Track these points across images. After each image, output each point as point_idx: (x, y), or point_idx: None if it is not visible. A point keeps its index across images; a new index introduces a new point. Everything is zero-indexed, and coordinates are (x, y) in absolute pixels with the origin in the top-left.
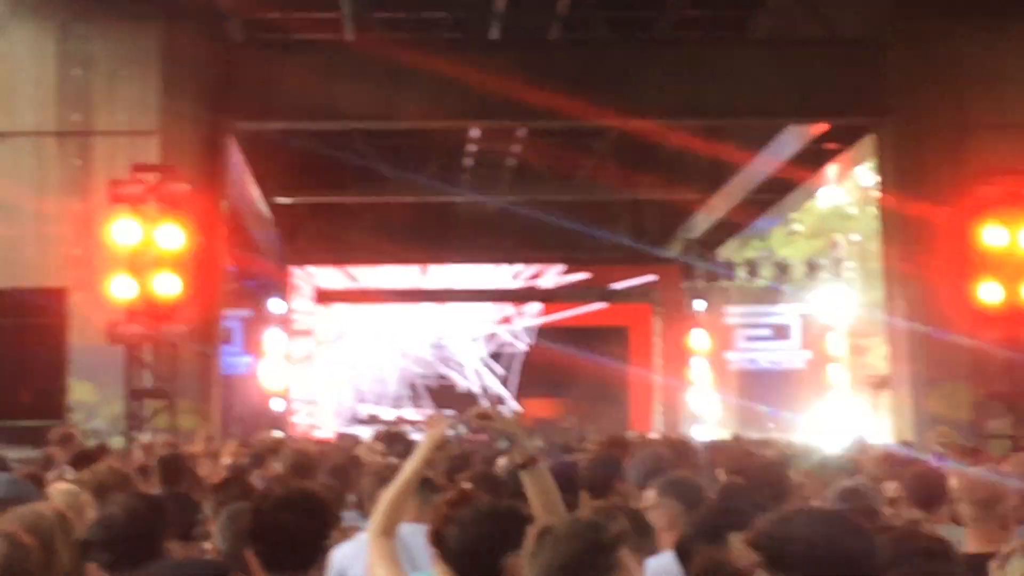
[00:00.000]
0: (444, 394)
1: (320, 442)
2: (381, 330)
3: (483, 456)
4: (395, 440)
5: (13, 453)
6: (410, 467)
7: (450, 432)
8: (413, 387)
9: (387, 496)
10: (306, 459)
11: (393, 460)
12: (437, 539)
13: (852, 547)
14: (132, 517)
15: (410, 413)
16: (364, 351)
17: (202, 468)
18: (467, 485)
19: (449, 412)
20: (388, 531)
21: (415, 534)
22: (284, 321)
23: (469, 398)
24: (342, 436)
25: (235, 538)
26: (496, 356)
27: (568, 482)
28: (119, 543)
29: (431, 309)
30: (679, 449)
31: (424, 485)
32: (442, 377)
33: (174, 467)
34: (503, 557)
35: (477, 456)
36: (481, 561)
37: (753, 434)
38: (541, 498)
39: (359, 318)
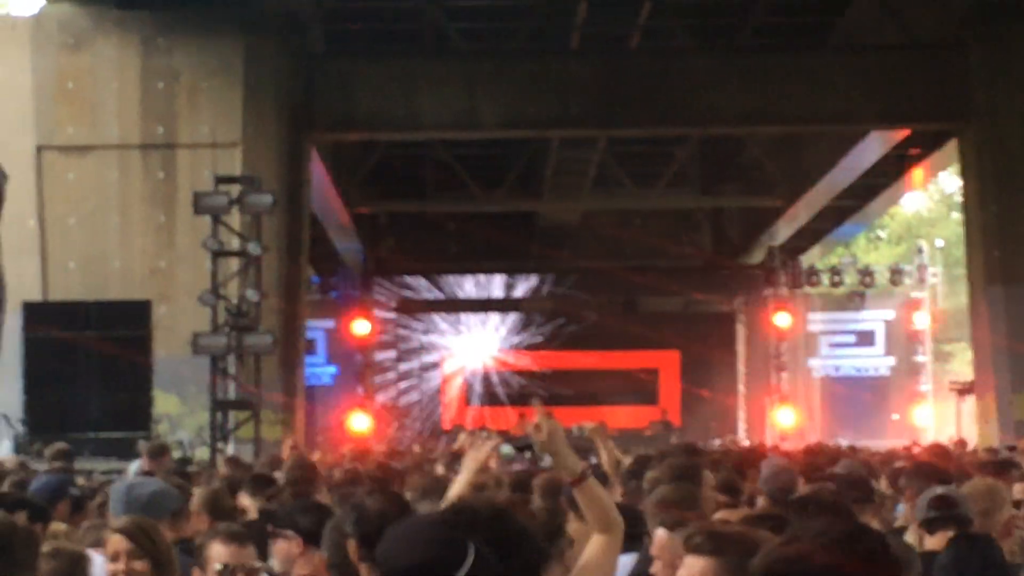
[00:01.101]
0: (524, 401)
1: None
2: (463, 338)
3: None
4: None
5: (99, 464)
6: (454, 491)
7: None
8: (494, 395)
9: None
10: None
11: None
12: None
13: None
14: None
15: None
16: (447, 358)
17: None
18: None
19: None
20: None
21: None
22: (367, 332)
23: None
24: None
25: (339, 548)
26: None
27: None
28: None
29: (511, 318)
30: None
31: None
32: (520, 385)
33: (304, 475)
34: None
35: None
36: None
37: (840, 442)
38: (593, 512)
39: (441, 326)
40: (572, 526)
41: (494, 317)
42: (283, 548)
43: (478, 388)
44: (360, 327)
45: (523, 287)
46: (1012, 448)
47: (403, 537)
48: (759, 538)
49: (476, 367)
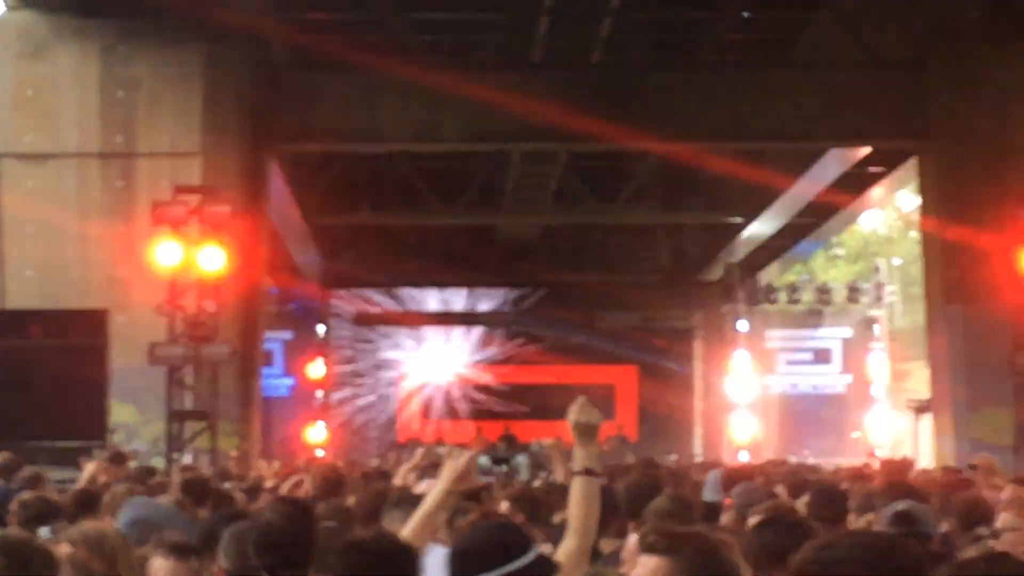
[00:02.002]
0: (484, 415)
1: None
2: (423, 351)
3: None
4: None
5: (55, 474)
6: (430, 500)
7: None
8: (454, 410)
9: (407, 528)
10: (336, 480)
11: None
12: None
13: (902, 572)
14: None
15: (452, 435)
16: (406, 373)
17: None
18: (504, 505)
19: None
20: None
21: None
22: (324, 344)
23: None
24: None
25: (240, 556)
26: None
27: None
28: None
29: (471, 331)
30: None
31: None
32: (479, 400)
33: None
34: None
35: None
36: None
37: (794, 459)
38: (583, 506)
39: (400, 339)
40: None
41: (455, 332)
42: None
43: (438, 402)
44: (316, 370)
45: (485, 301)
46: (973, 467)
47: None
48: (714, 539)
49: (436, 381)
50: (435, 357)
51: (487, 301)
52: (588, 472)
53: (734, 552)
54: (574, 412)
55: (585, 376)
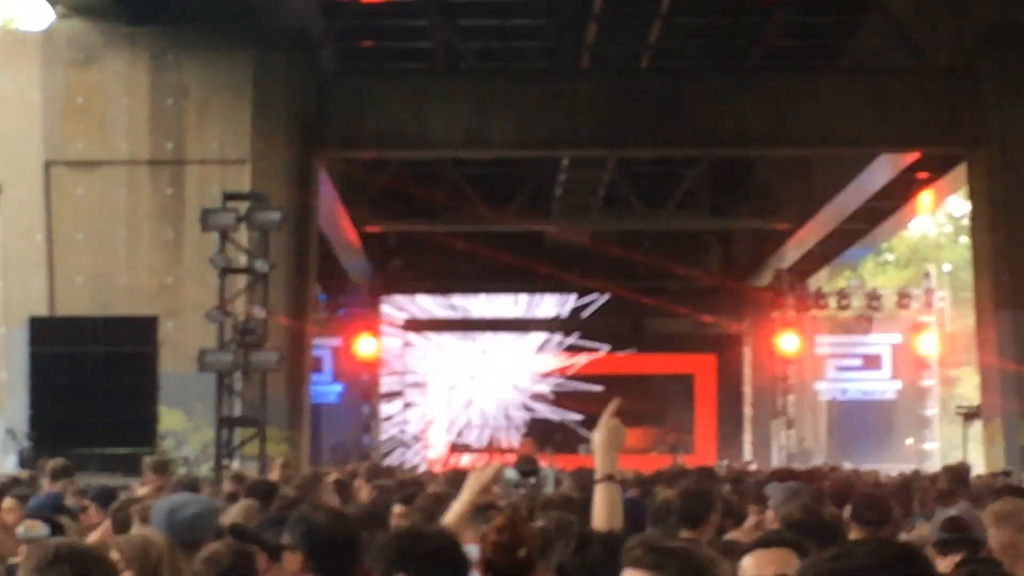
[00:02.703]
0: (537, 424)
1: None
2: (475, 359)
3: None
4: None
5: (105, 480)
6: (454, 511)
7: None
8: (508, 417)
9: None
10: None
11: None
12: (486, 565)
13: None
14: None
15: (505, 442)
16: (458, 380)
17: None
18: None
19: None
20: None
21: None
22: (373, 351)
23: (560, 427)
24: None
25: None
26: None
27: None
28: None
29: (522, 338)
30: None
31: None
32: (532, 408)
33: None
34: None
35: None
36: None
37: (848, 465)
38: (606, 513)
39: (452, 346)
40: None
41: (513, 341)
42: None
43: (488, 414)
44: (365, 346)
45: (541, 308)
46: (1008, 474)
47: None
48: (702, 555)
49: (488, 395)
50: (492, 366)
51: (544, 307)
52: (609, 478)
53: (723, 568)
54: (602, 427)
55: (636, 385)
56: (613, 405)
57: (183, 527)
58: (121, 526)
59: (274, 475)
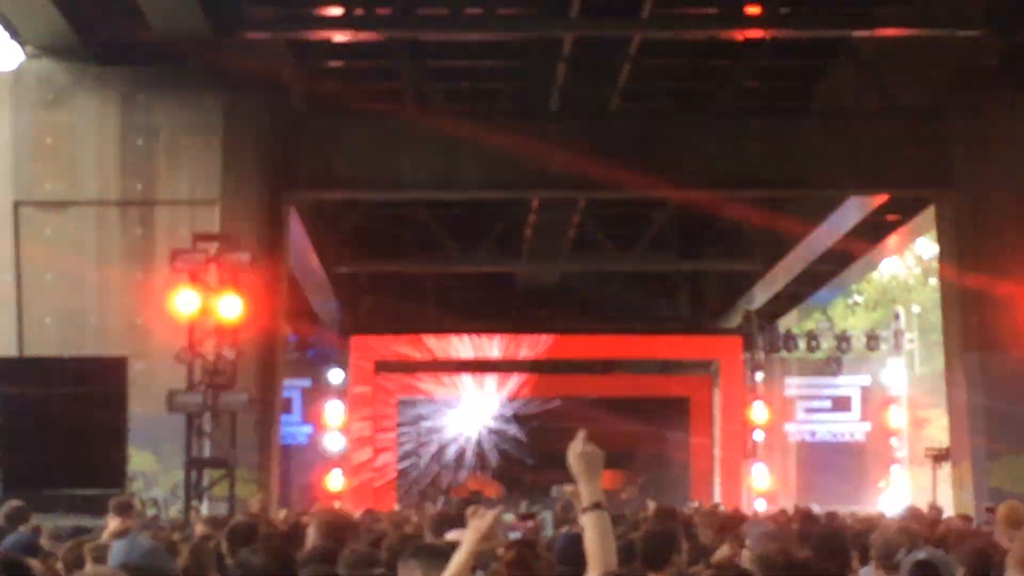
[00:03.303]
0: (510, 464)
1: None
2: (446, 399)
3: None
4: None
5: (73, 521)
6: (457, 561)
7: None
8: (481, 457)
9: None
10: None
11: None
12: None
13: None
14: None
15: (477, 483)
16: (429, 421)
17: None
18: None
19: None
20: None
21: None
22: (344, 392)
23: (532, 468)
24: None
25: None
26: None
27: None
28: None
29: (492, 378)
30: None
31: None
32: (505, 448)
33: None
34: None
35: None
36: None
37: (814, 506)
38: (599, 542)
39: (423, 387)
40: None
41: (486, 382)
42: None
43: (467, 454)
44: (333, 416)
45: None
46: (991, 510)
47: None
48: None
49: (467, 432)
50: (465, 408)
51: (510, 349)
52: (597, 506)
53: None
54: (576, 450)
55: (606, 425)
56: (582, 433)
57: (140, 563)
58: (74, 564)
59: (254, 510)
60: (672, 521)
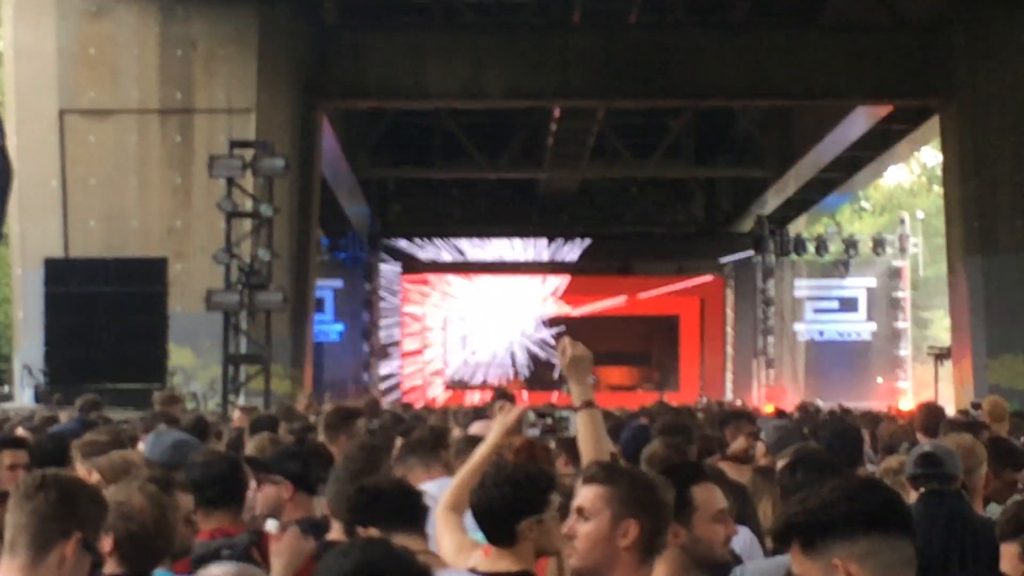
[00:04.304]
0: (538, 365)
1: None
2: (475, 301)
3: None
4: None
5: (117, 414)
6: (480, 452)
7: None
8: (512, 356)
9: (459, 475)
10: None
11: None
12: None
13: (881, 509)
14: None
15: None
16: (460, 321)
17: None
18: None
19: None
20: (457, 507)
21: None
22: (374, 292)
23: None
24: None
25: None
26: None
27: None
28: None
29: (521, 282)
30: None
31: (433, 450)
32: (536, 352)
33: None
34: (519, 520)
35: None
36: (497, 522)
37: (821, 403)
38: (592, 437)
39: (452, 289)
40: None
41: (510, 288)
42: (271, 493)
43: (499, 356)
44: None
45: (529, 250)
46: (977, 406)
47: None
48: (651, 477)
49: (492, 337)
50: (485, 304)
51: (532, 251)
52: (588, 404)
53: (667, 493)
54: (564, 351)
55: (622, 326)
56: (566, 339)
57: (162, 459)
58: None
59: (300, 405)
60: (690, 417)
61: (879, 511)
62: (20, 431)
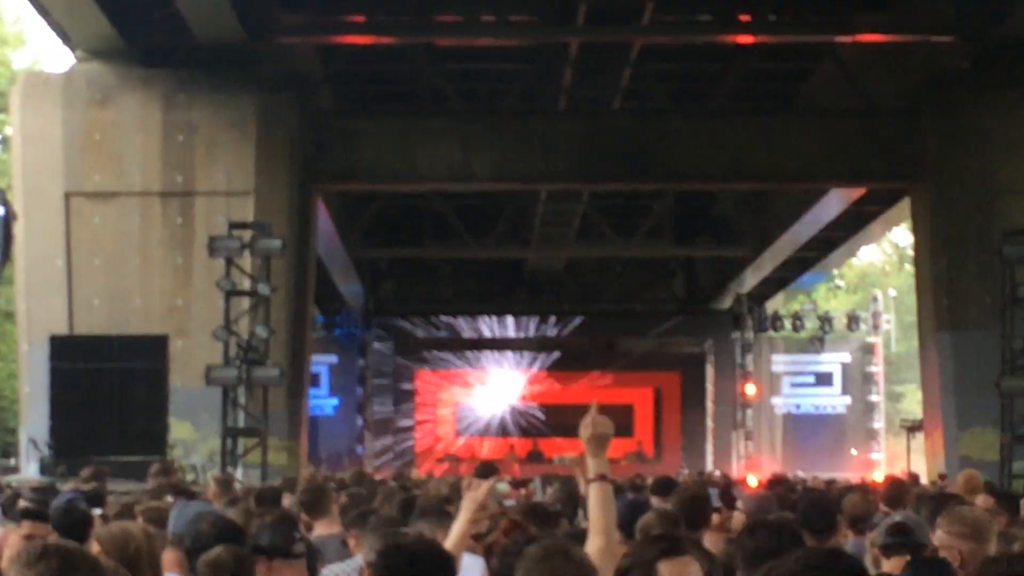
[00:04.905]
0: (527, 436)
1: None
2: (467, 378)
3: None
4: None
5: (118, 485)
6: (457, 528)
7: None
8: (504, 426)
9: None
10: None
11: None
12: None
13: None
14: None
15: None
16: (451, 397)
17: None
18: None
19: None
20: None
21: (472, 566)
22: (368, 368)
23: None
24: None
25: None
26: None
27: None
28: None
29: (508, 358)
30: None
31: (442, 515)
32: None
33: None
34: None
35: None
36: None
37: (801, 474)
38: (602, 509)
39: (444, 364)
40: None
41: (498, 364)
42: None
43: (471, 420)
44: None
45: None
46: (943, 476)
47: None
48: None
49: (491, 408)
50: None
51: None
52: (602, 478)
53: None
54: (587, 425)
55: (607, 397)
56: (594, 407)
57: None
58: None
59: (304, 476)
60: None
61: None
62: (22, 503)
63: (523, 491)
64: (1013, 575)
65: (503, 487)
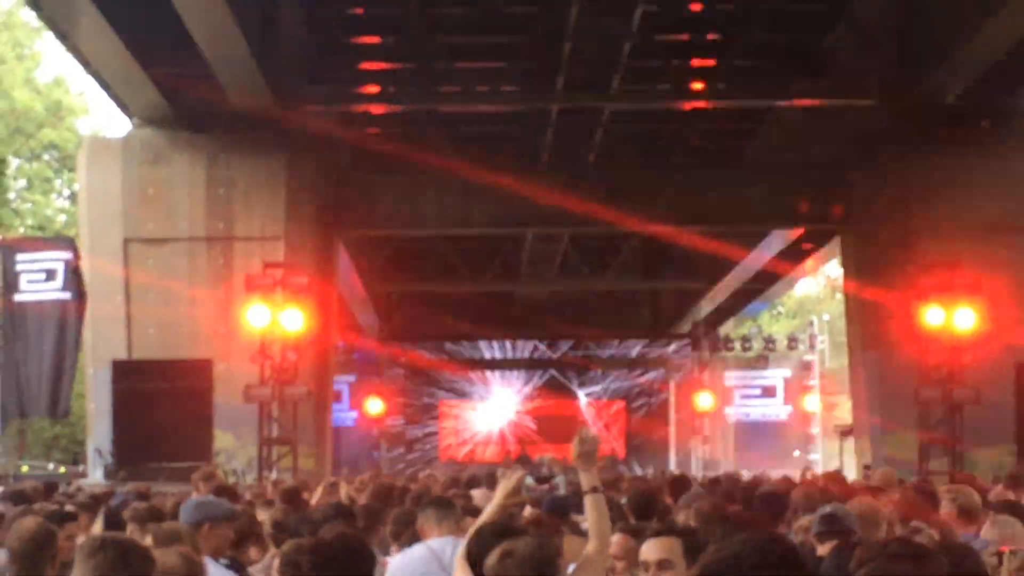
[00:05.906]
0: (522, 443)
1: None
2: (467, 394)
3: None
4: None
5: (170, 488)
6: (489, 511)
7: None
8: (503, 437)
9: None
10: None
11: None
12: (472, 558)
13: (783, 562)
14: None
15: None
16: (454, 410)
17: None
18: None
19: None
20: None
21: (445, 547)
22: (382, 386)
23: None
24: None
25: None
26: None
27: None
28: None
29: (505, 376)
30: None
31: (449, 506)
32: (512, 429)
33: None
34: None
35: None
36: None
37: (747, 473)
38: (596, 517)
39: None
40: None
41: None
42: None
43: (473, 431)
44: (374, 406)
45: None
46: (868, 467)
47: None
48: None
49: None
50: (491, 402)
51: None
52: (595, 490)
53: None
54: (578, 443)
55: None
56: (583, 429)
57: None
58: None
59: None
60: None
61: (782, 560)
62: (69, 507)
63: (546, 486)
64: (891, 555)
65: (530, 480)
